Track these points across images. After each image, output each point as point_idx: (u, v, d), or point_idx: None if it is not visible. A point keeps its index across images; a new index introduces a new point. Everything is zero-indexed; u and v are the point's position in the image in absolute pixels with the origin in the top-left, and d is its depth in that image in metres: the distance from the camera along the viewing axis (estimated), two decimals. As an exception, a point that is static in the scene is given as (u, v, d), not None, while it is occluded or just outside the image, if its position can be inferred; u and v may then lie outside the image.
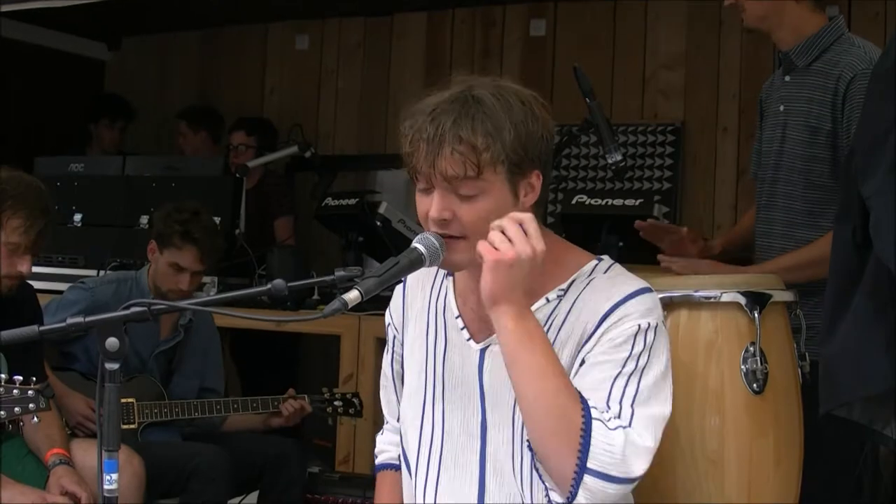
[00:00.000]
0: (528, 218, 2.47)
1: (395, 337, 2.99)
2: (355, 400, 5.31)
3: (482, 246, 2.46)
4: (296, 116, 7.84)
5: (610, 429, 2.45)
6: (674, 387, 2.63)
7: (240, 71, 8.86)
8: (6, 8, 6.51)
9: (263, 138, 7.47)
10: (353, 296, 2.41)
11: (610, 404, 2.49)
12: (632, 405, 2.50)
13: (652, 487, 2.87)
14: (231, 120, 7.85)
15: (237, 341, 7.02)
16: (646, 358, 2.54)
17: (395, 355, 3.00)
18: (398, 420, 3.02)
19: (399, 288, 2.97)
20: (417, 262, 2.52)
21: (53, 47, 8.94)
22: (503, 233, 2.45)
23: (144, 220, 6.21)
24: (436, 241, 2.53)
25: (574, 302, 2.60)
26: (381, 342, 5.47)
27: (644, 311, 2.57)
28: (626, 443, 2.45)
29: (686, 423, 3.07)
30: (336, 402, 5.28)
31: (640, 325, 2.54)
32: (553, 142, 2.63)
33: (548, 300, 2.62)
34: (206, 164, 6.98)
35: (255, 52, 8.87)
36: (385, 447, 3.12)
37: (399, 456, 3.02)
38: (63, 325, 2.56)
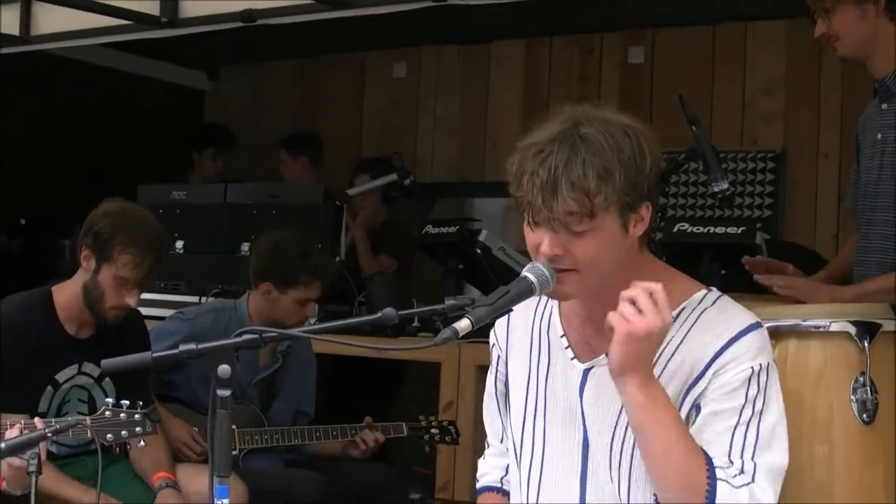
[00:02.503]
0: (657, 288, 2.45)
1: (499, 356, 2.99)
2: (451, 428, 5.30)
3: (613, 318, 2.45)
4: (393, 144, 7.89)
5: (734, 486, 2.47)
6: (783, 416, 2.62)
7: (337, 99, 8.91)
8: (107, 39, 6.60)
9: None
10: (464, 325, 2.40)
11: (732, 459, 2.50)
12: (753, 458, 2.50)
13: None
14: (330, 149, 7.89)
15: (334, 368, 7.04)
16: (761, 402, 2.53)
17: (498, 374, 3.00)
18: (501, 441, 3.03)
19: None
20: (527, 292, 2.52)
21: (154, 77, 9.06)
22: (634, 304, 2.45)
23: (245, 247, 6.26)
24: (546, 272, 2.52)
25: (685, 335, 2.59)
26: (482, 370, 5.47)
27: (755, 351, 2.55)
28: (752, 500, 2.47)
29: (795, 452, 3.01)
30: (433, 430, 5.28)
31: (752, 369, 2.53)
32: (660, 174, 2.61)
33: None
34: (306, 190, 7.01)
35: (352, 80, 8.93)
36: (487, 470, 3.11)
37: (501, 478, 3.04)
38: (176, 352, 2.58)
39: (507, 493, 3.04)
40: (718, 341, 2.55)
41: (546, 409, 2.77)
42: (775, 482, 2.53)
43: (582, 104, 2.61)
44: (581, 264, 2.51)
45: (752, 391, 2.52)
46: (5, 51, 6.80)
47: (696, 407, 2.55)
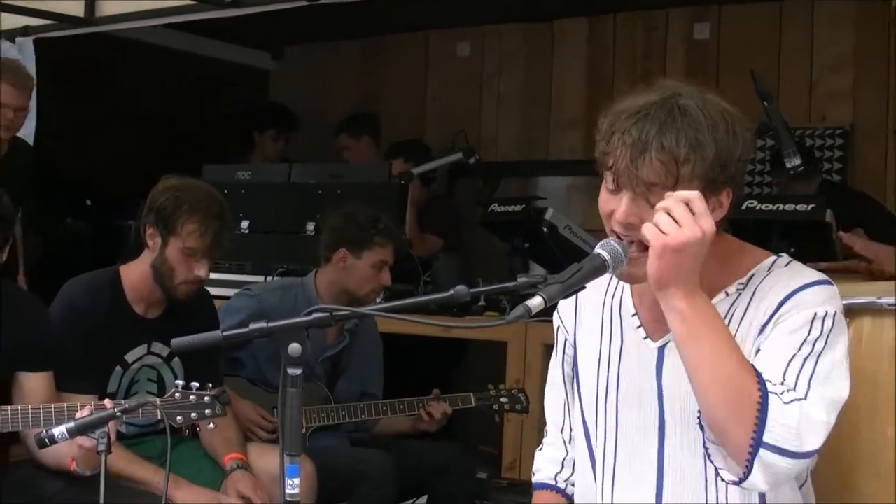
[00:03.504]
0: (694, 196, 2.37)
1: (565, 339, 2.96)
2: (521, 396, 5.27)
3: (647, 229, 2.39)
4: (457, 123, 7.86)
5: (785, 402, 2.38)
6: (857, 396, 2.56)
7: (401, 79, 8.92)
8: (171, 20, 6.63)
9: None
10: (536, 302, 2.37)
11: (786, 378, 2.43)
12: (809, 381, 2.43)
13: (837, 496, 2.82)
14: (394, 129, 7.88)
15: (396, 349, 7.04)
16: (822, 344, 2.46)
17: (565, 357, 2.97)
18: (562, 430, 3.00)
19: None
20: (600, 269, 2.48)
21: (219, 58, 9.09)
22: (669, 214, 2.39)
23: (310, 226, 6.27)
24: (619, 249, 2.49)
25: (753, 296, 2.55)
26: (549, 348, 5.45)
27: (821, 300, 2.50)
28: (802, 416, 2.38)
29: (870, 433, 2.99)
30: (502, 399, 5.25)
31: (816, 313, 2.47)
32: (747, 163, 2.57)
33: (727, 294, 2.58)
34: (370, 170, 7.01)
35: (416, 59, 8.93)
36: (542, 465, 3.08)
37: (556, 475, 3.01)
38: (247, 330, 2.57)
39: (561, 492, 3.01)
40: (785, 290, 2.51)
41: (619, 389, 2.74)
42: (830, 406, 2.44)
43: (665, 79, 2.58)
44: None
45: (815, 332, 2.46)
46: (70, 33, 6.85)
47: (758, 351, 2.51)
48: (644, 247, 2.46)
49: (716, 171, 2.43)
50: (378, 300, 5.60)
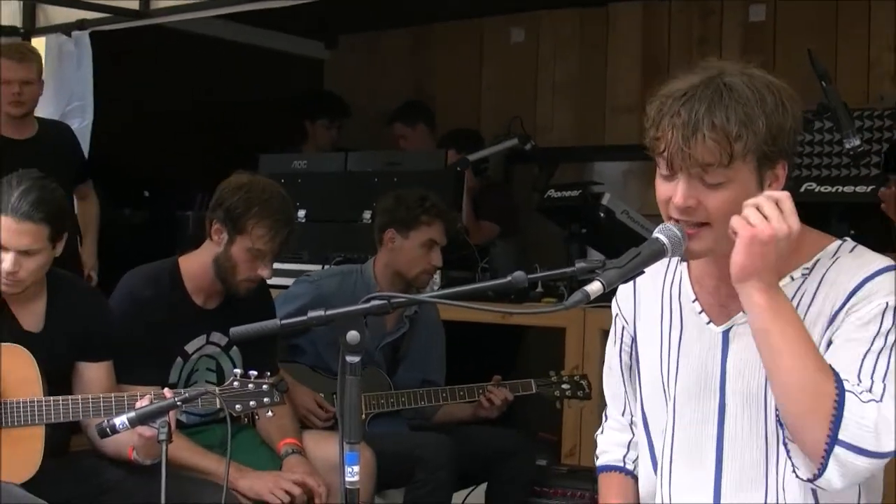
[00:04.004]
0: (784, 196, 2.41)
1: (623, 327, 2.95)
2: (583, 382, 5.24)
3: (737, 221, 2.40)
4: (512, 109, 7.84)
5: (863, 402, 2.38)
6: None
7: (455, 65, 8.91)
8: (224, 11, 6.65)
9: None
10: (595, 287, 2.36)
11: (861, 378, 2.42)
12: (883, 380, 2.42)
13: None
14: (449, 116, 7.88)
15: (453, 336, 7.03)
16: (894, 336, 2.46)
17: (623, 346, 2.96)
18: (623, 414, 3.00)
19: None
20: (659, 253, 2.47)
21: (273, 48, 9.12)
22: (759, 210, 2.39)
23: (367, 215, 6.27)
24: (678, 232, 2.48)
25: (820, 281, 2.54)
26: (607, 334, 5.44)
27: (891, 288, 2.49)
28: (879, 417, 2.37)
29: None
30: (564, 386, 5.22)
31: (888, 303, 2.47)
32: (799, 134, 2.57)
33: (792, 278, 2.56)
34: (426, 157, 7.01)
35: (470, 46, 8.92)
36: (607, 447, 3.08)
37: (623, 457, 3.01)
38: (304, 318, 2.58)
39: (630, 473, 3.01)
40: (853, 280, 2.50)
41: (679, 376, 2.73)
42: None
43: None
44: (714, 218, 2.48)
45: (886, 324, 2.46)
46: (125, 25, 6.89)
47: (829, 343, 2.50)
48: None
49: (768, 144, 2.45)
50: (436, 287, 5.61)
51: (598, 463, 3.09)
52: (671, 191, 2.50)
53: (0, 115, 6.22)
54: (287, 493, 4.26)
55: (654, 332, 2.82)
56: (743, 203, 2.42)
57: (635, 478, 2.99)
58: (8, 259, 3.87)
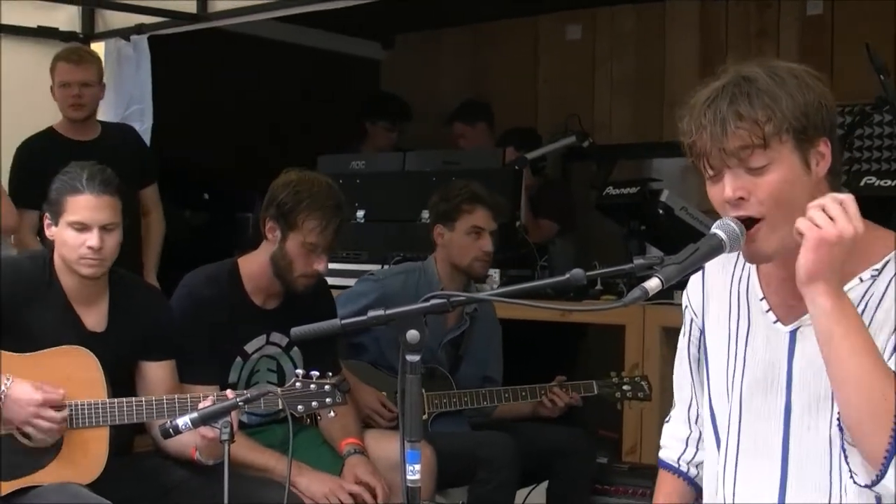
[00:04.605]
0: (848, 199, 2.39)
1: (692, 319, 2.95)
2: (644, 384, 5.21)
3: (802, 223, 2.39)
4: (569, 106, 7.82)
5: None
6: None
7: (512, 64, 8.91)
8: (281, 13, 6.68)
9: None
10: (653, 284, 2.37)
11: None
12: None
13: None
14: (506, 115, 7.87)
15: (512, 334, 7.03)
16: None
17: (692, 338, 2.96)
18: (689, 405, 3.00)
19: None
20: (717, 249, 2.47)
21: (330, 49, 9.15)
22: (824, 211, 2.39)
23: (425, 214, 6.26)
24: (736, 227, 2.48)
25: (889, 283, 2.51)
26: (666, 331, 5.45)
27: None
28: None
29: None
30: (625, 387, 5.20)
31: None
32: (834, 110, 2.56)
33: (861, 280, 2.54)
34: (484, 155, 7.00)
35: (526, 44, 8.92)
36: (668, 441, 3.08)
37: (679, 457, 3.02)
38: (365, 318, 2.59)
39: (683, 475, 3.02)
40: None
41: (745, 372, 2.72)
42: None
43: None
44: (767, 206, 2.47)
45: None
46: (183, 29, 6.94)
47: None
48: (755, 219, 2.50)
49: (800, 120, 2.46)
50: (495, 285, 5.62)
51: (658, 455, 3.11)
52: (721, 190, 2.52)
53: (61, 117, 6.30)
54: (341, 502, 4.29)
55: (721, 326, 2.81)
56: (808, 205, 2.40)
57: (688, 479, 3.01)
58: (93, 236, 3.94)
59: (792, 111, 2.45)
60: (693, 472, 2.99)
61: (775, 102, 2.44)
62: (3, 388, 3.81)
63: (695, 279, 2.89)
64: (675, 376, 3.05)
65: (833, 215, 2.36)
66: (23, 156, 6.24)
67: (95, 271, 4.02)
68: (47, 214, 4.07)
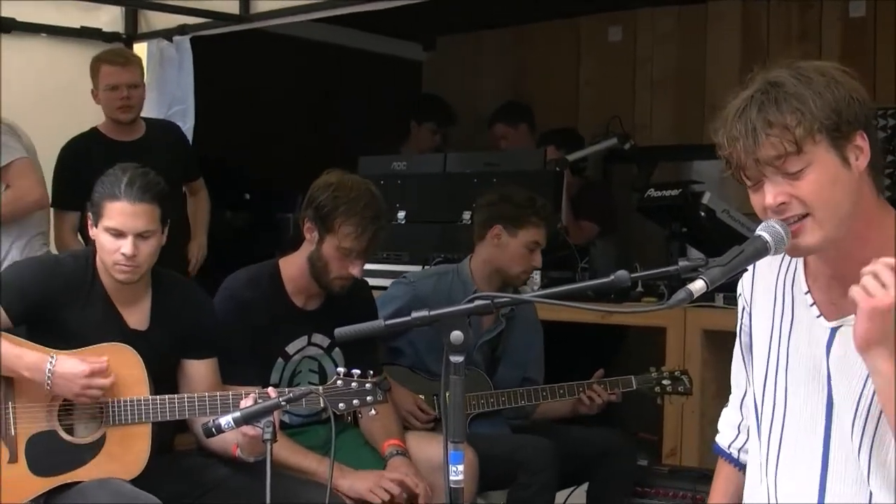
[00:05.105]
0: None
1: (744, 308, 2.95)
2: (684, 377, 5.18)
3: (856, 292, 2.39)
4: (611, 108, 7.81)
5: None
6: None
7: (553, 66, 8.92)
8: (325, 14, 6.70)
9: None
10: (698, 286, 2.37)
11: None
12: None
13: None
14: (547, 116, 7.87)
15: (556, 335, 7.02)
16: None
17: (742, 326, 2.96)
18: (744, 395, 3.00)
19: None
20: (762, 251, 2.48)
21: (372, 50, 9.17)
22: (877, 278, 2.38)
23: (466, 215, 6.28)
24: (780, 229, 2.48)
25: None
26: (707, 334, 5.43)
27: None
28: None
29: None
30: (664, 381, 5.17)
31: None
32: (868, 102, 2.55)
33: None
34: (525, 157, 6.99)
35: (567, 46, 8.92)
36: (722, 426, 3.11)
37: (730, 443, 3.05)
38: (409, 319, 2.60)
39: (734, 461, 3.04)
40: None
41: (788, 365, 2.73)
42: None
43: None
44: (810, 205, 2.47)
45: None
46: (226, 30, 6.96)
47: None
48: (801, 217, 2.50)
49: (831, 117, 2.46)
50: (536, 287, 5.60)
51: (716, 438, 3.13)
52: (762, 197, 2.52)
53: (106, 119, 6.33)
54: (387, 491, 4.29)
55: (766, 318, 2.82)
56: (861, 271, 2.40)
57: (739, 466, 3.02)
58: (127, 243, 3.94)
59: (821, 109, 2.45)
60: (743, 458, 2.99)
61: (803, 104, 2.44)
62: (49, 365, 3.84)
63: (747, 272, 2.90)
64: (733, 362, 3.05)
65: (885, 282, 2.36)
66: (66, 157, 6.26)
67: (128, 277, 4.03)
68: (90, 214, 4.09)
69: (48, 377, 3.84)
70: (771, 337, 2.78)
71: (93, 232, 4.07)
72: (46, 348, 3.90)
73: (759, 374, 2.81)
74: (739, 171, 2.54)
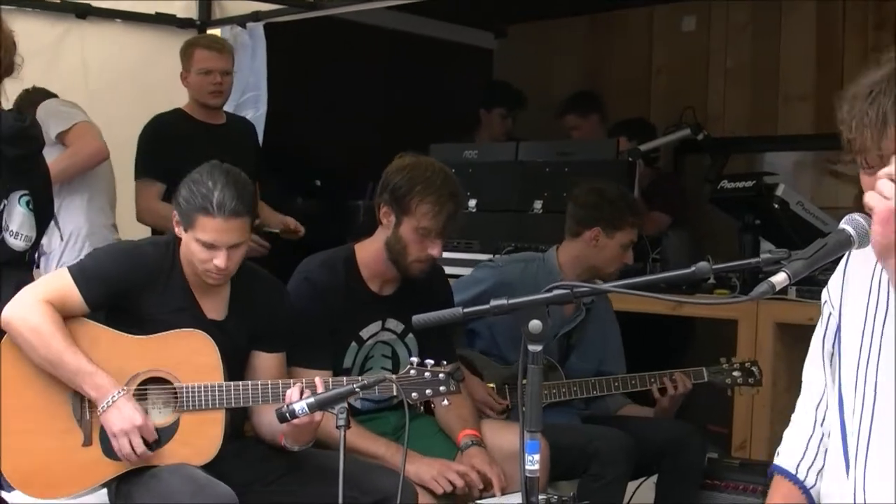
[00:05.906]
0: None
1: (830, 314, 2.90)
2: (754, 369, 5.15)
3: (871, 197, 2.33)
4: (683, 98, 7.77)
5: None
6: None
7: (626, 54, 8.88)
8: (397, 2, 6.71)
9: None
10: (780, 279, 2.35)
11: None
12: None
13: None
14: (619, 106, 7.84)
15: (625, 325, 6.99)
16: None
17: (827, 333, 2.91)
18: (818, 403, 2.93)
19: (843, 258, 2.87)
20: (846, 244, 2.44)
21: (443, 38, 9.17)
22: (892, 180, 2.33)
23: (538, 204, 6.28)
24: (865, 223, 2.43)
25: None
26: (779, 327, 5.40)
27: None
28: None
29: None
30: (735, 373, 5.14)
31: None
32: None
33: None
34: (597, 147, 6.96)
35: (640, 35, 8.87)
36: (787, 446, 3.00)
37: (797, 464, 2.94)
38: (487, 307, 2.60)
39: (800, 483, 2.93)
40: None
41: (880, 358, 2.68)
42: None
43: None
44: None
45: None
46: (299, 17, 6.99)
47: None
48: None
49: None
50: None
51: (775, 461, 3.03)
52: (874, 181, 2.45)
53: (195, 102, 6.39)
54: (450, 482, 4.29)
55: (859, 314, 2.76)
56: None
57: (804, 489, 2.92)
58: (221, 256, 3.91)
59: None
60: (811, 480, 2.91)
61: None
62: (111, 398, 3.84)
63: (836, 273, 2.85)
64: (804, 373, 2.99)
65: None
66: (153, 129, 6.31)
67: (219, 281, 4.04)
68: (176, 213, 4.04)
69: (107, 403, 3.83)
70: (864, 330, 2.74)
71: (179, 230, 4.02)
72: (115, 381, 3.88)
73: (848, 368, 2.75)
74: (860, 155, 2.50)
